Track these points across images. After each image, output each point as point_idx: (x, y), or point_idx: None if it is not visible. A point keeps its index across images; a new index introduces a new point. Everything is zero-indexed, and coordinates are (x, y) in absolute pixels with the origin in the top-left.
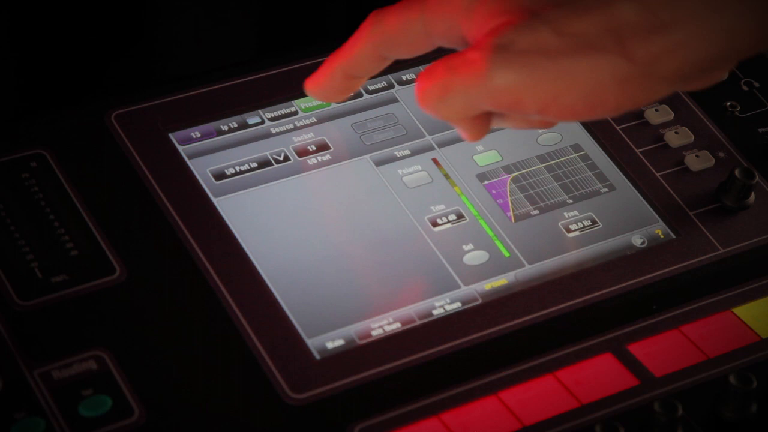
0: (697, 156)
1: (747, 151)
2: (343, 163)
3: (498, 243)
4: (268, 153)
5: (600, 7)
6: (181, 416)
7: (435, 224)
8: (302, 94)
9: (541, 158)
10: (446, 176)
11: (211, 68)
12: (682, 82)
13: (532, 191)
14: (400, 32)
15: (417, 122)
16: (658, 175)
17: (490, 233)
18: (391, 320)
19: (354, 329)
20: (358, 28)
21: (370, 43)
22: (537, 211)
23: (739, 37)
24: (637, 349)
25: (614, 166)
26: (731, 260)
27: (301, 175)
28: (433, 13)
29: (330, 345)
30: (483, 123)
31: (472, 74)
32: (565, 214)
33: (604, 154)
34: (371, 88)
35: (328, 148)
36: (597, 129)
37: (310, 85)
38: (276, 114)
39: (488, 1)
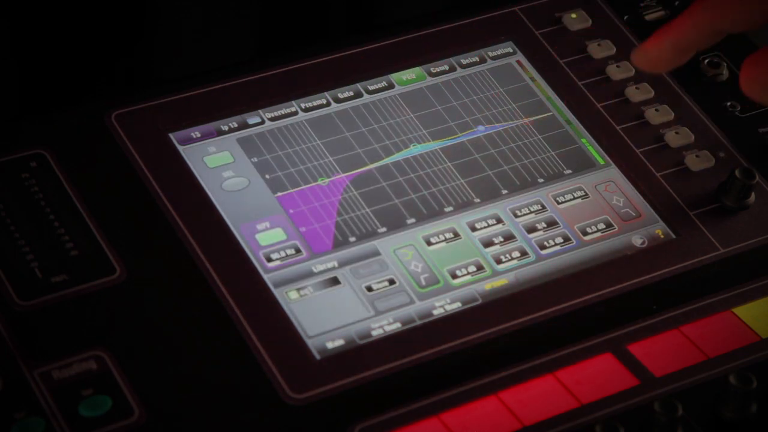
0: (697, 156)
1: (747, 151)
2: None
3: None
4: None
5: None
6: (181, 416)
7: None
8: (302, 94)
9: None
10: None
11: (211, 68)
12: None
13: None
14: (737, 6)
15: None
16: (658, 175)
17: None
18: (391, 320)
19: (354, 329)
20: (691, 5)
21: (706, 18)
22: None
23: None
24: (637, 349)
25: (614, 166)
26: (731, 260)
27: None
28: None
29: (330, 345)
30: None
31: None
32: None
33: (605, 153)
34: (371, 88)
35: None
36: (597, 129)
37: (638, 54)
38: (276, 114)
39: None
